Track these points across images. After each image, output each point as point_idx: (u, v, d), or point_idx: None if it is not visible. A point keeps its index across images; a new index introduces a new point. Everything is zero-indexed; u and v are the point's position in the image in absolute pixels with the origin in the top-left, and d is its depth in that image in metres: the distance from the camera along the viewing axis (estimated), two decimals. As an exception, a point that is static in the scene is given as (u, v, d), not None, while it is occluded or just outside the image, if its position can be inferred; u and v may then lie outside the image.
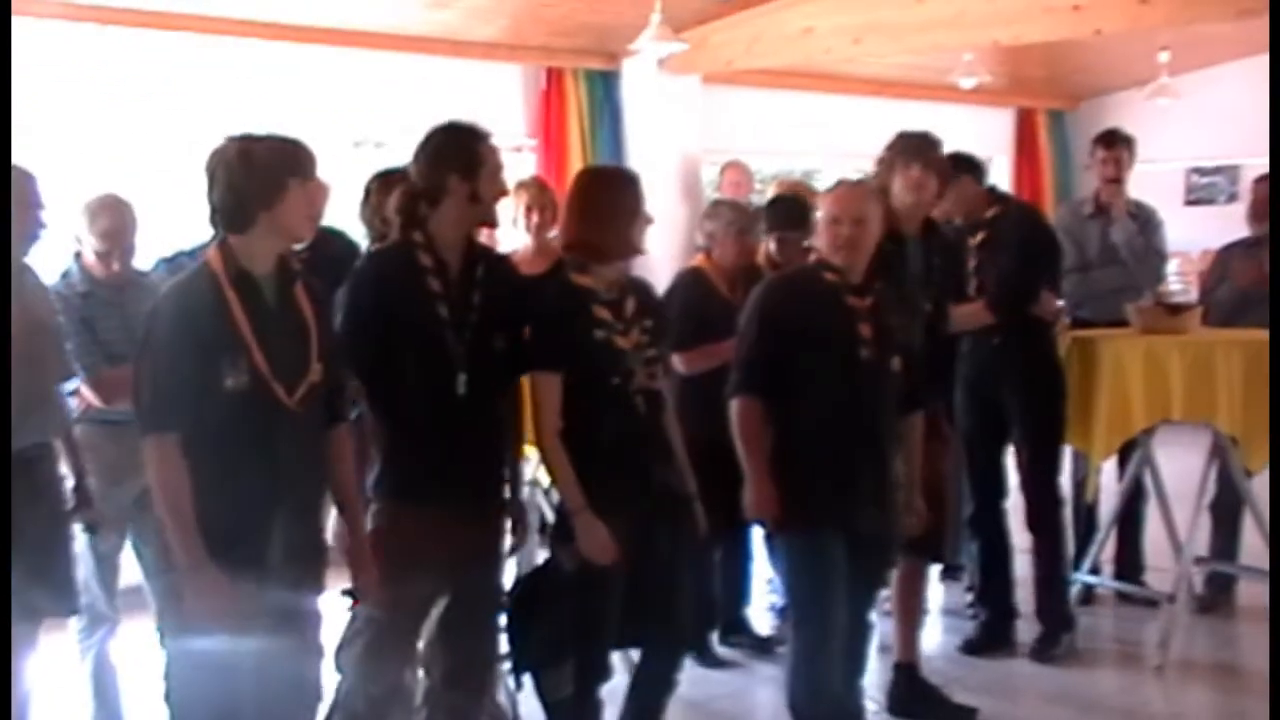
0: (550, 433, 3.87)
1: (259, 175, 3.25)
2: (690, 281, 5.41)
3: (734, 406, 4.22)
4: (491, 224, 3.99)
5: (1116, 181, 6.23)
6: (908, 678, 5.01)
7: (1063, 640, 5.60)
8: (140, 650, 4.70)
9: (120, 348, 4.37)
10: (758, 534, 5.66)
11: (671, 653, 4.13)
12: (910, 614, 5.06)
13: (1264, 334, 5.40)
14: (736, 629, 5.69)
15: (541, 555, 4.47)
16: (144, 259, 4.90)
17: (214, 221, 3.34)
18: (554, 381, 3.88)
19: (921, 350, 4.62)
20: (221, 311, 3.24)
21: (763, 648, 5.66)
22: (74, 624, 4.81)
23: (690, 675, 4.35)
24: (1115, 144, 6.28)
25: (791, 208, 5.69)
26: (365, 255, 3.99)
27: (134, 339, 3.49)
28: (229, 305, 3.24)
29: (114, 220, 4.61)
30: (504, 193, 3.89)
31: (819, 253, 4.27)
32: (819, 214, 4.23)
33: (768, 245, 5.62)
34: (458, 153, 3.75)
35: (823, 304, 4.16)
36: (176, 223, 4.76)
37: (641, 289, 4.11)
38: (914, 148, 4.84)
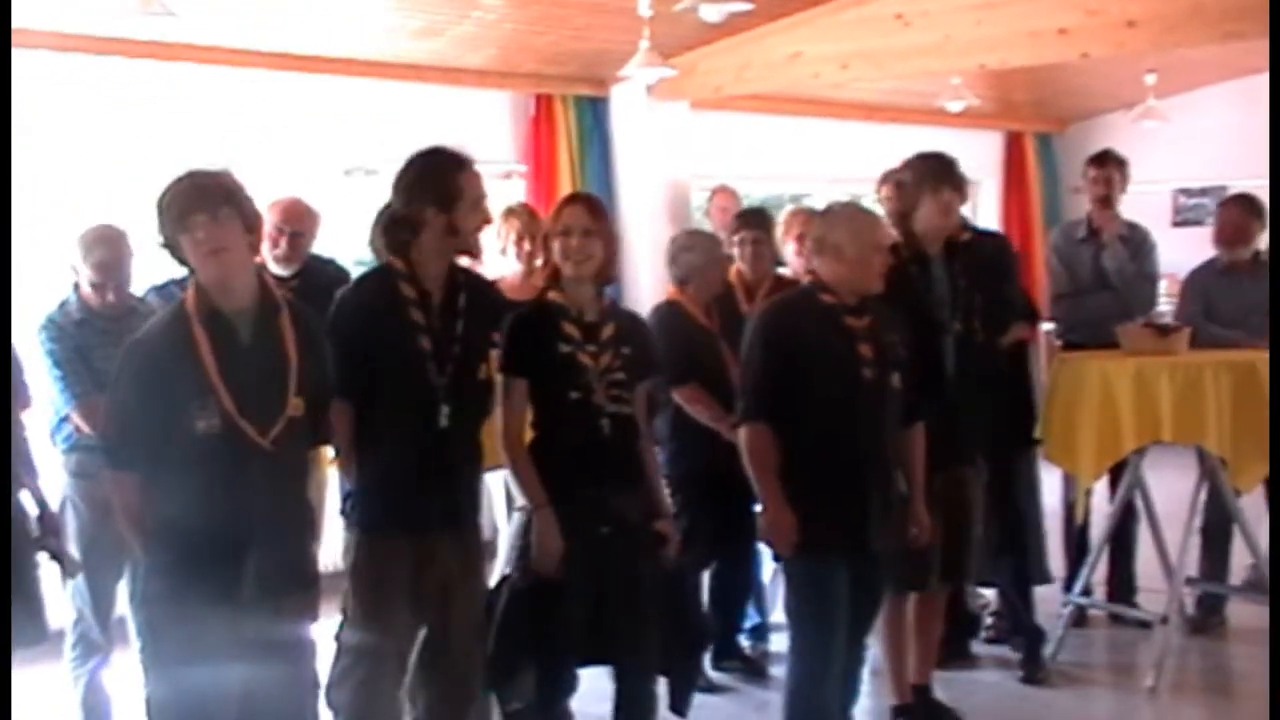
0: (511, 433, 3.99)
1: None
2: (669, 314, 5.42)
3: (744, 434, 4.24)
4: (472, 254, 3.98)
5: (1107, 202, 6.25)
6: (921, 699, 5.00)
7: (1042, 654, 5.64)
8: (133, 679, 4.69)
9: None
10: (763, 558, 5.71)
11: (641, 675, 4.13)
12: (927, 636, 5.06)
13: (1253, 355, 5.43)
14: (729, 653, 5.68)
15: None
16: (138, 286, 4.91)
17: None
18: (518, 385, 3.97)
19: (954, 373, 4.65)
20: (189, 355, 3.21)
21: (756, 671, 5.65)
22: (68, 652, 4.81)
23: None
24: (1106, 164, 6.30)
25: (757, 211, 5.99)
26: (349, 283, 3.95)
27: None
28: (197, 348, 3.22)
29: (109, 252, 4.63)
30: (486, 222, 3.86)
31: (815, 274, 4.29)
32: (845, 241, 4.21)
33: (737, 261, 5.70)
34: (435, 184, 3.72)
35: (823, 326, 4.20)
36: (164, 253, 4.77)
37: (627, 319, 4.17)
38: (944, 171, 4.86)
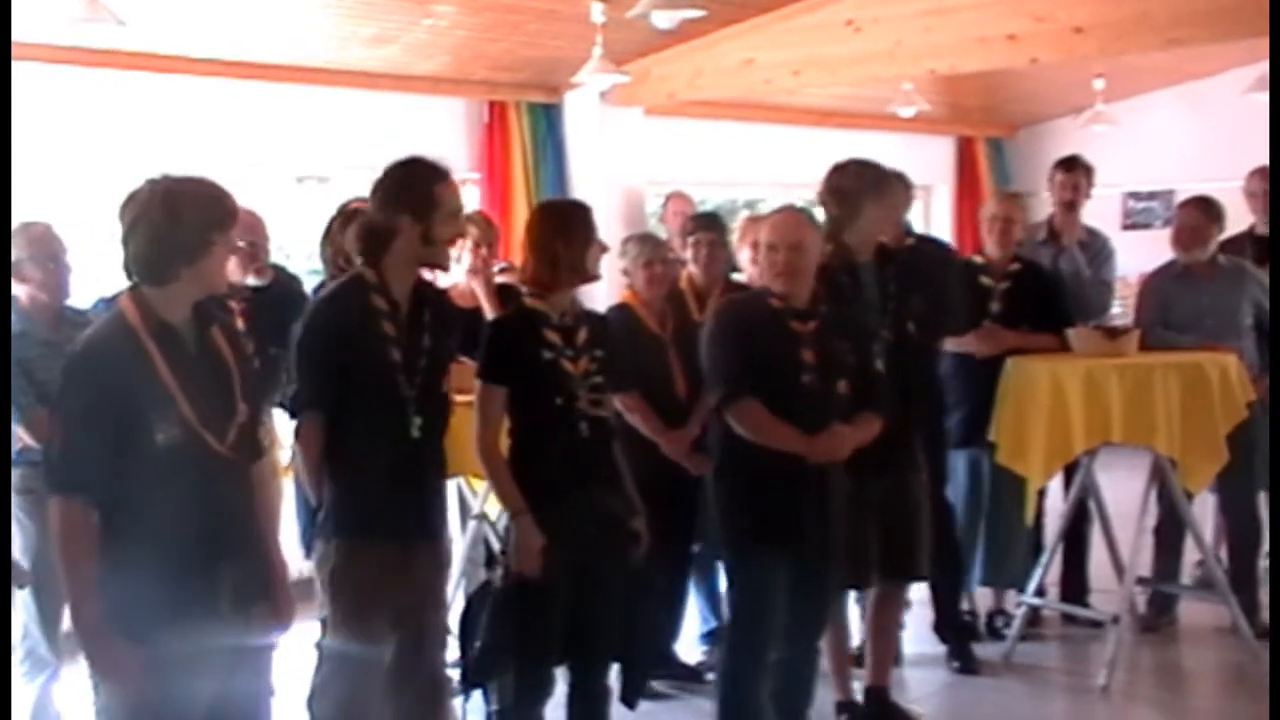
0: (489, 441, 3.99)
1: (185, 232, 3.15)
2: (618, 318, 5.42)
3: (738, 412, 4.20)
4: (443, 267, 3.99)
5: (1073, 206, 6.32)
6: (879, 702, 5.02)
7: (971, 647, 5.76)
8: (83, 695, 4.64)
9: (56, 387, 4.32)
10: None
11: (597, 668, 4.17)
12: (885, 637, 5.09)
13: (1200, 356, 5.50)
14: (665, 661, 5.63)
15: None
16: (84, 298, 4.88)
17: (130, 270, 3.23)
18: (498, 393, 3.99)
19: (883, 378, 4.66)
20: (144, 367, 3.14)
21: (694, 678, 5.62)
22: (16, 667, 4.76)
23: (621, 710, 4.32)
24: (1074, 169, 6.38)
25: (710, 216, 6.00)
26: (321, 295, 3.94)
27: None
28: (152, 359, 3.15)
29: (45, 239, 4.61)
30: (461, 235, 3.88)
31: (758, 281, 4.32)
32: (755, 241, 4.28)
33: (689, 265, 5.69)
34: (411, 193, 3.71)
35: (766, 329, 4.21)
36: (115, 262, 4.74)
37: (596, 321, 4.20)
38: (888, 179, 4.89)
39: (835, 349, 4.25)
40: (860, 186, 4.80)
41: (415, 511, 3.80)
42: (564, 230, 4.07)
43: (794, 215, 4.37)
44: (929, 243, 5.83)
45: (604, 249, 4.12)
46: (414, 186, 3.72)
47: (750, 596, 4.24)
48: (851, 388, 4.28)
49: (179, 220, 3.15)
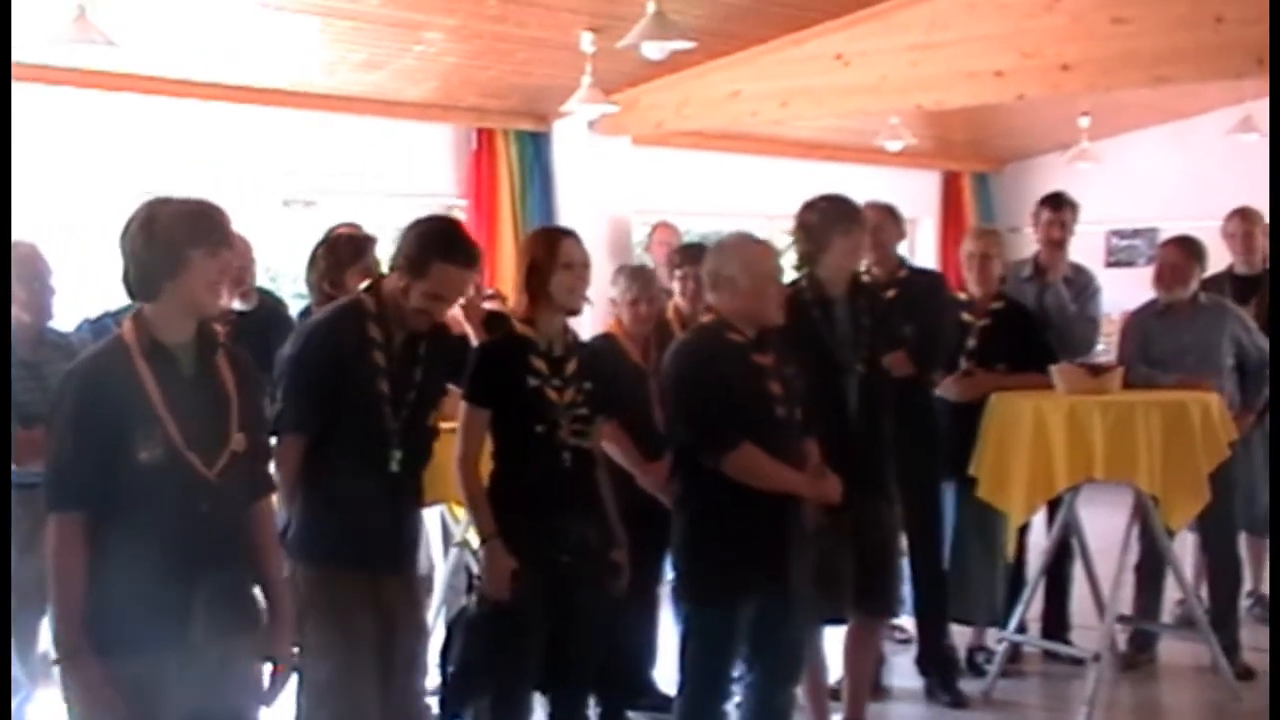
0: (469, 463, 4.00)
1: (160, 246, 3.14)
2: (601, 347, 5.40)
3: (735, 462, 4.09)
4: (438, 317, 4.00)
5: (1061, 244, 6.34)
6: None
7: (957, 680, 5.75)
8: (58, 716, 4.60)
9: (35, 408, 4.27)
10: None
11: (577, 699, 4.16)
12: (860, 670, 5.07)
13: (1183, 395, 5.51)
14: (643, 690, 5.60)
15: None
16: (68, 320, 4.85)
17: (126, 290, 3.23)
18: (480, 416, 4.00)
19: (858, 412, 4.65)
20: (132, 384, 3.13)
21: (670, 708, 5.57)
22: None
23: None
24: (1062, 206, 6.40)
25: (697, 247, 5.96)
26: (318, 318, 3.95)
27: (50, 400, 3.34)
28: (140, 378, 3.14)
29: (30, 260, 4.58)
30: (428, 314, 3.82)
31: (714, 311, 4.28)
32: (738, 273, 4.19)
33: (675, 297, 5.68)
34: (417, 255, 3.73)
35: (733, 365, 4.16)
36: (102, 284, 4.72)
37: (587, 353, 4.20)
38: (853, 213, 4.85)
39: (790, 376, 4.22)
40: (827, 222, 4.78)
41: (385, 544, 3.79)
42: (523, 257, 4.15)
43: (764, 246, 4.36)
44: (922, 274, 5.84)
45: (576, 278, 4.08)
46: (423, 252, 3.73)
47: (715, 640, 4.17)
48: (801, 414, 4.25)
49: (153, 235, 3.15)
